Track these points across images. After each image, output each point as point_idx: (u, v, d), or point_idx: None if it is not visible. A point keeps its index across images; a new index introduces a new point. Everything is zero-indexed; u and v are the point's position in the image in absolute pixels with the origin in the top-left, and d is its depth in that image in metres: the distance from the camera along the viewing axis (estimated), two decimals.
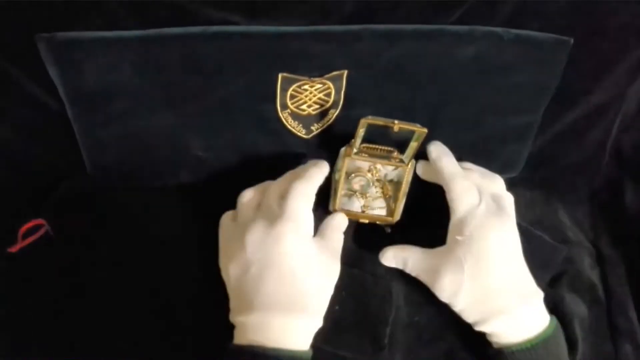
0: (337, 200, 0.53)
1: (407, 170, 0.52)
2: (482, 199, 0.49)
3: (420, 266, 0.51)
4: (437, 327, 0.55)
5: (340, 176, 0.52)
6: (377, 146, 0.52)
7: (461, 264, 0.48)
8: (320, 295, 0.48)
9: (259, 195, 0.50)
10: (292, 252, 0.46)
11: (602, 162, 0.64)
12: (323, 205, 0.54)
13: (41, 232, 0.52)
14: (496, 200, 0.51)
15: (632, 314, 0.59)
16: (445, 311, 0.53)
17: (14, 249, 0.52)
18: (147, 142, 0.54)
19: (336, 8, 0.49)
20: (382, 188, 0.54)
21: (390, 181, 0.54)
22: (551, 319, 0.50)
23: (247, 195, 0.50)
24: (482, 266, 0.48)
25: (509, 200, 0.52)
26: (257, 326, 0.45)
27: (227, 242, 0.49)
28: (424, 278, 0.51)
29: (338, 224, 0.51)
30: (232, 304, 0.48)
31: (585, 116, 0.60)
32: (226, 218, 0.51)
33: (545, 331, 0.49)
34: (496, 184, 0.52)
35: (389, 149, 0.52)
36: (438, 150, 0.52)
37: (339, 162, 0.53)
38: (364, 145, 0.52)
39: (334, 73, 0.51)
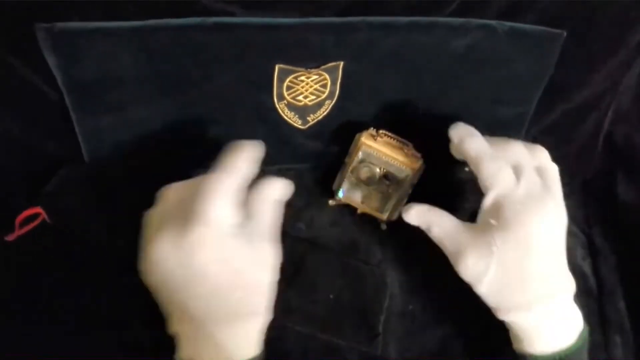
0: (340, 183, 0.53)
1: (414, 171, 0.52)
2: (521, 179, 0.44)
3: (448, 237, 0.46)
4: (431, 315, 0.55)
5: (350, 161, 0.52)
6: (394, 136, 0.52)
7: (490, 248, 0.43)
8: (258, 292, 0.42)
9: (182, 191, 0.43)
10: (213, 260, 0.39)
11: (594, 153, 0.65)
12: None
13: (38, 220, 0.52)
14: (541, 174, 0.46)
15: (622, 305, 0.60)
16: (440, 300, 0.54)
17: (10, 237, 0.52)
18: (144, 132, 0.54)
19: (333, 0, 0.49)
20: (387, 185, 0.54)
21: (396, 179, 0.54)
22: (583, 328, 0.46)
23: (168, 192, 0.44)
24: (514, 255, 0.43)
25: (553, 172, 0.47)
26: (197, 339, 0.41)
27: (145, 244, 0.42)
28: (448, 251, 0.46)
29: (267, 195, 0.44)
30: (164, 312, 0.42)
31: (578, 108, 0.60)
32: (150, 217, 0.44)
33: (573, 345, 0.45)
34: (538, 155, 0.47)
35: (406, 142, 0.52)
36: (459, 134, 0.47)
37: (352, 146, 0.53)
38: (383, 132, 0.52)
39: (330, 64, 0.51)
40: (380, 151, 0.52)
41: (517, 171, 0.45)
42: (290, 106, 0.54)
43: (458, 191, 0.62)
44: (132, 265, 0.52)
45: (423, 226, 0.48)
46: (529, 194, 0.44)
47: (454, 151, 0.49)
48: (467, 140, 0.46)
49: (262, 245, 0.42)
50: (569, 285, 0.46)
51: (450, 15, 0.51)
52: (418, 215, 0.48)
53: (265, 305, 0.43)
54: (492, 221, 0.44)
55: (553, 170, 0.47)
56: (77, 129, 0.53)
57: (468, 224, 0.46)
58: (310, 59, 0.51)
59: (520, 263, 0.43)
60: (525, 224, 0.43)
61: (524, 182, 0.44)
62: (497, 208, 0.44)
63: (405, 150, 0.52)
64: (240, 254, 0.40)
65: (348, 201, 0.54)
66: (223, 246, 0.40)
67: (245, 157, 0.43)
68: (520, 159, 0.46)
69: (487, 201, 0.45)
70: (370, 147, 0.52)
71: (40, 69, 0.48)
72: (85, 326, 0.51)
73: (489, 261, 0.44)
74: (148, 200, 0.56)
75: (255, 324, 0.43)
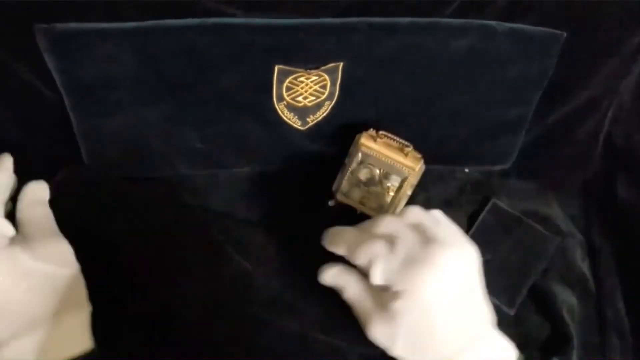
0: (340, 184, 0.53)
1: (414, 172, 0.52)
2: (396, 244, 0.43)
3: (357, 302, 0.45)
4: None
5: (350, 162, 0.52)
6: (394, 137, 0.52)
7: (393, 317, 0.42)
8: (67, 287, 0.44)
9: None
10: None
11: (594, 154, 0.65)
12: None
13: None
14: (419, 229, 0.44)
15: (620, 306, 0.60)
16: None
17: None
18: (144, 133, 0.54)
19: (333, 0, 0.49)
20: (387, 186, 0.54)
21: (396, 181, 0.54)
22: (518, 357, 0.45)
23: None
24: (418, 319, 0.42)
25: (430, 220, 0.45)
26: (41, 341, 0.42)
27: None
28: (357, 315, 0.46)
29: (28, 202, 0.48)
30: None
31: (578, 108, 0.60)
32: None
33: None
34: (409, 217, 0.45)
35: (406, 143, 0.52)
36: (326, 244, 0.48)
37: (352, 147, 0.53)
38: (383, 133, 0.52)
39: (330, 65, 0.51)
40: (380, 152, 0.52)
41: (392, 240, 0.44)
42: (290, 107, 0.54)
43: (458, 191, 0.62)
44: (135, 263, 0.53)
45: (337, 288, 0.47)
46: (410, 256, 0.42)
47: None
48: (332, 243, 0.47)
49: (45, 244, 0.45)
50: (486, 324, 0.45)
51: (450, 15, 0.51)
52: (332, 276, 0.47)
53: (81, 296, 0.45)
54: (391, 290, 0.43)
55: (430, 219, 0.45)
56: (76, 130, 0.53)
57: (376, 289, 0.44)
58: (310, 60, 0.51)
59: (426, 325, 0.42)
60: (418, 287, 0.42)
61: (400, 246, 0.43)
62: (388, 285, 0.43)
63: (405, 151, 0.52)
64: (24, 261, 0.43)
65: (348, 202, 0.54)
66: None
67: None
68: (391, 228, 0.44)
69: (375, 280, 0.43)
70: (370, 148, 0.52)
71: (39, 69, 0.48)
72: None
73: (395, 329, 0.43)
74: (148, 201, 0.56)
75: (81, 316, 0.45)
